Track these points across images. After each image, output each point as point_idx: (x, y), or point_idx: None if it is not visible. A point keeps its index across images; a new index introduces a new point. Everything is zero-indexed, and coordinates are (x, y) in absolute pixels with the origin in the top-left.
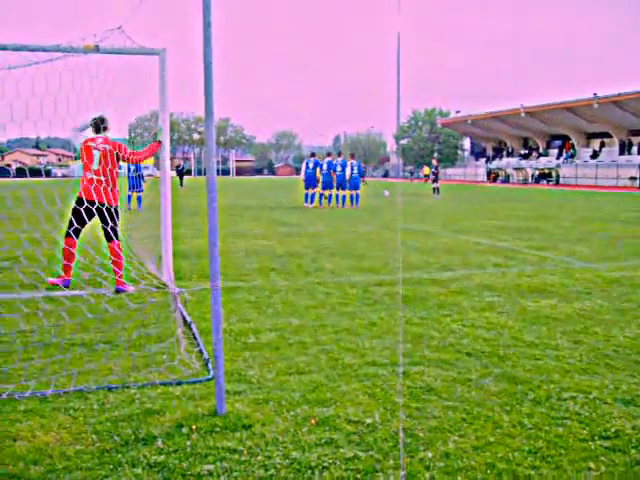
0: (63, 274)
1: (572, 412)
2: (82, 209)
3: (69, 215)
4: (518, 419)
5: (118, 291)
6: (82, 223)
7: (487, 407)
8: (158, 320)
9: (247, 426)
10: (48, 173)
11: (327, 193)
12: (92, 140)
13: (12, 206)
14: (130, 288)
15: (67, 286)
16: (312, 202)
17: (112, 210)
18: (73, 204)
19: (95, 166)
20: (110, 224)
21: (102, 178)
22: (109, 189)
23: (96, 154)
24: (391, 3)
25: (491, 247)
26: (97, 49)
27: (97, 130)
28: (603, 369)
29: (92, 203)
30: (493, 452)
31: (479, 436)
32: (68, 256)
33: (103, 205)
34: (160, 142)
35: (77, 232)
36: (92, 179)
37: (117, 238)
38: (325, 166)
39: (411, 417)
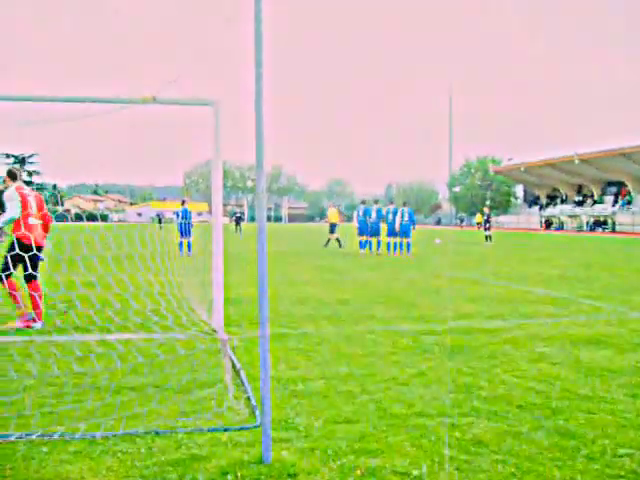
0: (20, 315)
1: (628, 470)
2: (27, 255)
3: (6, 259)
4: (571, 475)
5: (29, 324)
6: (16, 266)
7: (538, 462)
8: (207, 366)
9: (293, 475)
10: (105, 218)
11: (376, 240)
12: (21, 188)
13: (69, 250)
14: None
15: (33, 319)
16: (363, 249)
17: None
18: (15, 249)
19: (34, 211)
20: (38, 266)
21: (39, 222)
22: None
23: (31, 200)
24: (443, 56)
25: (544, 296)
26: (154, 100)
27: (14, 179)
28: None
29: (31, 248)
30: None
31: None
32: (14, 298)
33: (40, 248)
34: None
35: (9, 274)
36: (35, 224)
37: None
38: (374, 214)
39: (459, 470)
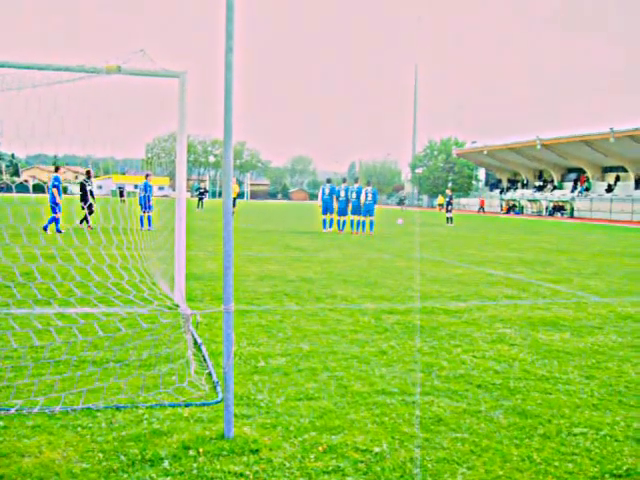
0: None
1: (582, 448)
2: None
3: None
4: (527, 453)
5: None
6: None
7: (496, 440)
8: (169, 341)
9: (254, 450)
10: (65, 190)
11: (342, 219)
12: None
13: (30, 222)
14: None
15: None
16: (331, 227)
17: None
18: None
19: None
20: None
21: None
22: None
23: None
24: (410, 33)
25: (504, 279)
26: (119, 70)
27: None
28: (615, 405)
29: None
30: None
31: (488, 469)
32: None
33: None
34: None
35: None
36: None
37: None
38: (342, 193)
39: (420, 447)
